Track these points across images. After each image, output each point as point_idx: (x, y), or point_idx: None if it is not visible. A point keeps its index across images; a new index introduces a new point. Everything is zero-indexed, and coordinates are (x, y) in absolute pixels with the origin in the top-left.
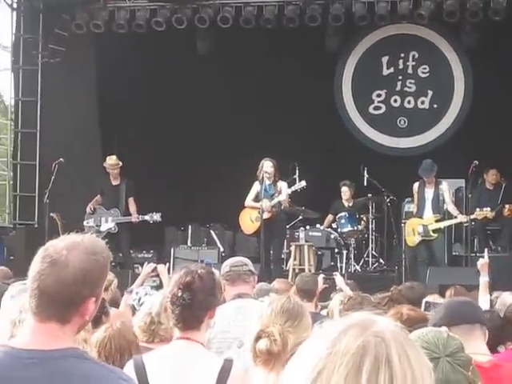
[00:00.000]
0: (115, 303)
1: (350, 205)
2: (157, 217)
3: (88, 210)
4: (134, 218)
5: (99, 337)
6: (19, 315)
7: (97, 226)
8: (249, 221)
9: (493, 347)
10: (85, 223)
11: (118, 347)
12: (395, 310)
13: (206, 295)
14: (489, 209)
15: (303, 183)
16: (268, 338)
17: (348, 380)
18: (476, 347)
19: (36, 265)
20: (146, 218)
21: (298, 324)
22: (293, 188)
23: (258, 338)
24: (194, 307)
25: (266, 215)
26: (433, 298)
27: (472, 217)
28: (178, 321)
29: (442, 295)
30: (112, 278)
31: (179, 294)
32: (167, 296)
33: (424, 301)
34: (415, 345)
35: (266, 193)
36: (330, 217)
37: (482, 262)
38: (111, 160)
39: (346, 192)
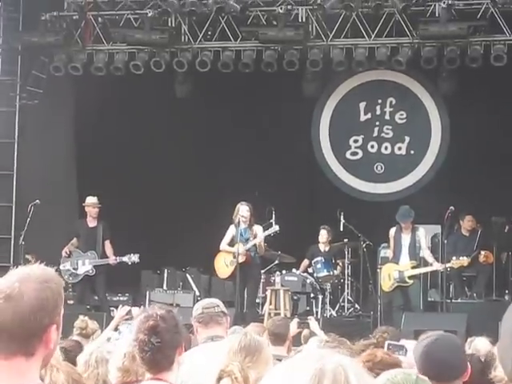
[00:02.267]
0: None
1: (327, 249)
2: (135, 258)
3: (64, 253)
4: (112, 260)
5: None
6: None
7: (74, 269)
8: (224, 265)
9: None
10: (61, 267)
11: None
12: (370, 352)
13: (172, 334)
14: (465, 258)
15: (277, 227)
16: (229, 377)
17: None
18: None
19: None
20: (124, 259)
21: (257, 358)
22: (266, 232)
23: (219, 378)
24: (164, 349)
25: (240, 259)
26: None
27: (448, 265)
28: (150, 366)
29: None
30: (96, 327)
31: (146, 340)
32: (133, 344)
33: (387, 342)
34: (369, 373)
35: (242, 237)
36: (305, 261)
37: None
38: (92, 199)
39: (323, 235)
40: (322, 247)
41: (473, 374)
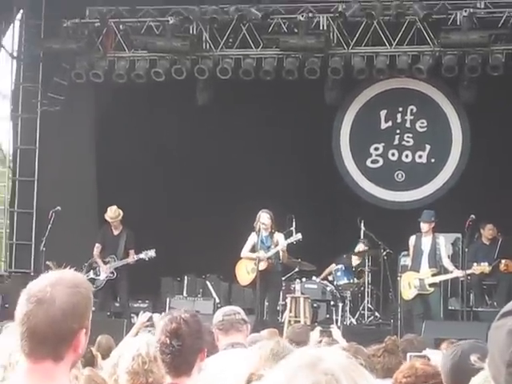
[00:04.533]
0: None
1: (358, 262)
2: (151, 253)
3: (101, 264)
4: (131, 259)
5: None
6: (9, 358)
7: (96, 276)
8: (245, 272)
9: None
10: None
11: None
12: (408, 365)
13: (193, 339)
14: (486, 264)
15: (299, 236)
16: (258, 381)
17: None
18: None
19: (22, 307)
20: (142, 256)
21: None
22: (289, 240)
23: (248, 381)
24: (185, 353)
25: (262, 266)
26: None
27: (469, 272)
28: (169, 369)
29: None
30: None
31: (168, 342)
32: (156, 345)
33: (409, 354)
34: (364, 373)
35: (263, 244)
36: (333, 265)
37: None
38: (111, 212)
39: (360, 248)
40: (355, 260)
41: None
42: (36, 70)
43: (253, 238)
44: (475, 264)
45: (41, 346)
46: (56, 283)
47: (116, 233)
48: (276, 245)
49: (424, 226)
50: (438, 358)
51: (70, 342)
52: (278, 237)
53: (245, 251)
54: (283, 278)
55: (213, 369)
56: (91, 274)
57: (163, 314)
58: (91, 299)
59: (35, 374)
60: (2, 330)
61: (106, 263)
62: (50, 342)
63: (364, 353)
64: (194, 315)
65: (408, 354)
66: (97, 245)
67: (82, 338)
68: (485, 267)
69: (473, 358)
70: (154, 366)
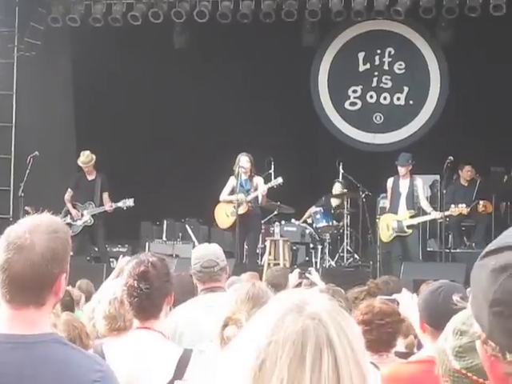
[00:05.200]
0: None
1: (338, 203)
2: (130, 202)
3: (71, 209)
4: (108, 206)
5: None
6: None
7: (73, 221)
8: (224, 215)
9: None
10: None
11: (68, 337)
12: (368, 303)
13: (161, 282)
14: (464, 205)
15: (280, 180)
16: (235, 325)
17: (291, 369)
18: None
19: (1, 254)
20: (119, 204)
21: None
22: (269, 184)
23: (225, 325)
24: (153, 296)
25: (241, 210)
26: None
27: (447, 213)
28: (137, 311)
29: (416, 290)
30: (79, 294)
31: (135, 285)
32: (123, 289)
33: (378, 297)
34: (346, 315)
35: (242, 188)
36: (313, 208)
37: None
38: (84, 156)
39: (337, 188)
40: (334, 201)
41: None
42: (12, 14)
43: (232, 182)
44: (453, 205)
45: (23, 293)
46: (34, 229)
47: (90, 178)
48: (255, 188)
49: (401, 170)
50: (407, 299)
51: (51, 287)
52: (258, 180)
53: (224, 195)
54: (262, 222)
55: (192, 312)
56: (68, 219)
57: (129, 258)
58: (70, 243)
59: (17, 319)
60: None
61: (81, 209)
62: (32, 289)
63: (342, 295)
64: (162, 259)
65: (378, 297)
66: (69, 190)
67: (63, 282)
68: (463, 208)
69: (455, 297)
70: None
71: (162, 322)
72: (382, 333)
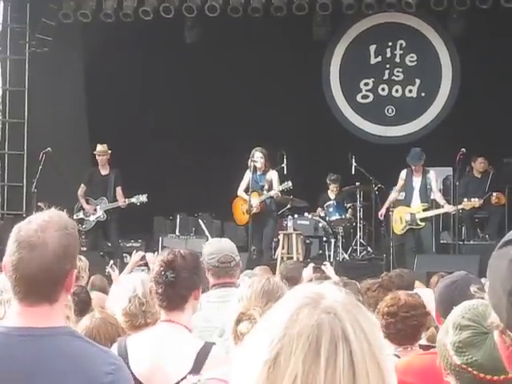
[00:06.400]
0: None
1: (336, 196)
2: (143, 198)
3: (84, 204)
4: (121, 202)
5: (85, 327)
6: (0, 295)
7: (86, 217)
8: (241, 213)
9: None
10: (74, 216)
11: (106, 335)
12: (393, 295)
13: (189, 273)
14: (476, 199)
15: (289, 183)
16: (249, 321)
17: (306, 363)
18: None
19: (13, 253)
20: (133, 200)
21: None
22: (280, 187)
23: (238, 320)
24: (178, 285)
25: (254, 210)
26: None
27: (460, 207)
28: (162, 300)
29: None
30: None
31: (162, 272)
32: (152, 276)
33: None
34: (363, 309)
35: (256, 184)
36: (319, 210)
37: None
38: (100, 147)
39: (333, 189)
40: (332, 195)
41: None
42: (23, 11)
43: (248, 175)
44: (465, 199)
45: (36, 291)
46: (45, 227)
47: (104, 173)
48: (270, 184)
49: (415, 168)
50: (428, 295)
51: (63, 283)
52: (272, 175)
53: (240, 190)
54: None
55: (205, 307)
56: (81, 215)
57: (156, 252)
58: (78, 239)
59: (30, 314)
60: None
61: (94, 204)
62: (45, 287)
63: (355, 287)
64: (194, 253)
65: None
66: (82, 185)
67: (73, 277)
68: (475, 202)
69: (472, 288)
70: (151, 307)
71: (187, 316)
72: (407, 325)
